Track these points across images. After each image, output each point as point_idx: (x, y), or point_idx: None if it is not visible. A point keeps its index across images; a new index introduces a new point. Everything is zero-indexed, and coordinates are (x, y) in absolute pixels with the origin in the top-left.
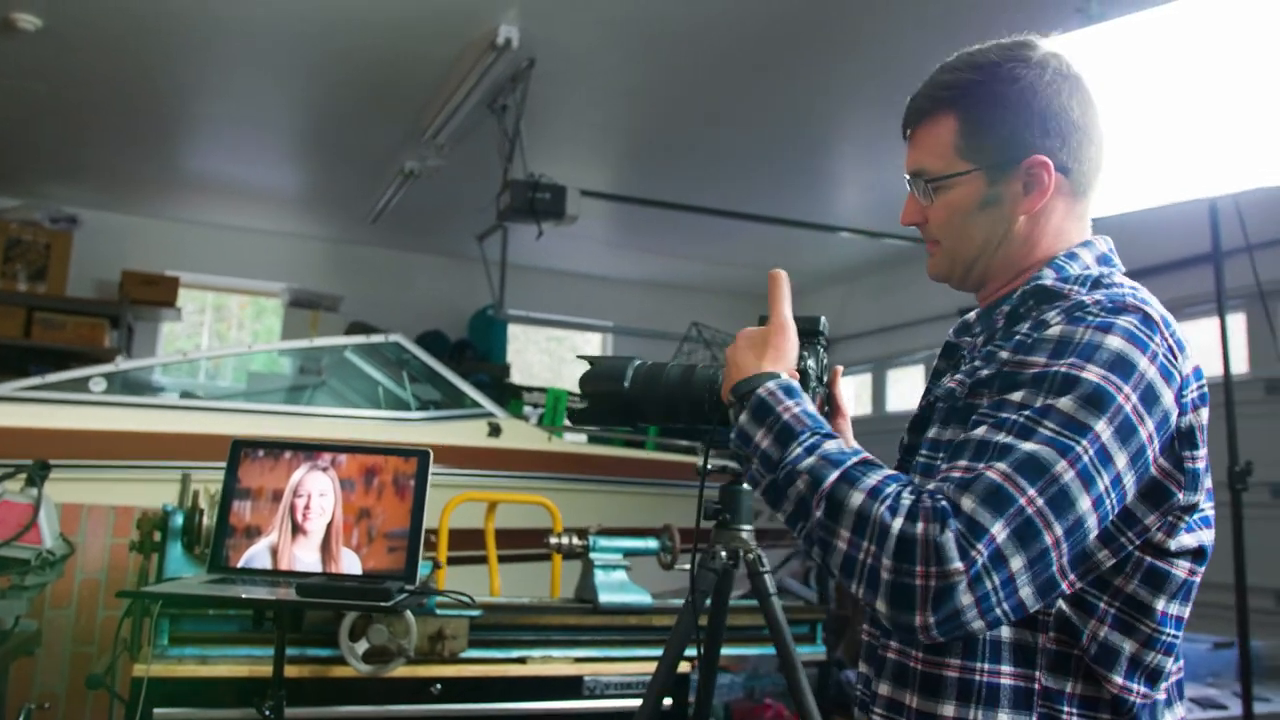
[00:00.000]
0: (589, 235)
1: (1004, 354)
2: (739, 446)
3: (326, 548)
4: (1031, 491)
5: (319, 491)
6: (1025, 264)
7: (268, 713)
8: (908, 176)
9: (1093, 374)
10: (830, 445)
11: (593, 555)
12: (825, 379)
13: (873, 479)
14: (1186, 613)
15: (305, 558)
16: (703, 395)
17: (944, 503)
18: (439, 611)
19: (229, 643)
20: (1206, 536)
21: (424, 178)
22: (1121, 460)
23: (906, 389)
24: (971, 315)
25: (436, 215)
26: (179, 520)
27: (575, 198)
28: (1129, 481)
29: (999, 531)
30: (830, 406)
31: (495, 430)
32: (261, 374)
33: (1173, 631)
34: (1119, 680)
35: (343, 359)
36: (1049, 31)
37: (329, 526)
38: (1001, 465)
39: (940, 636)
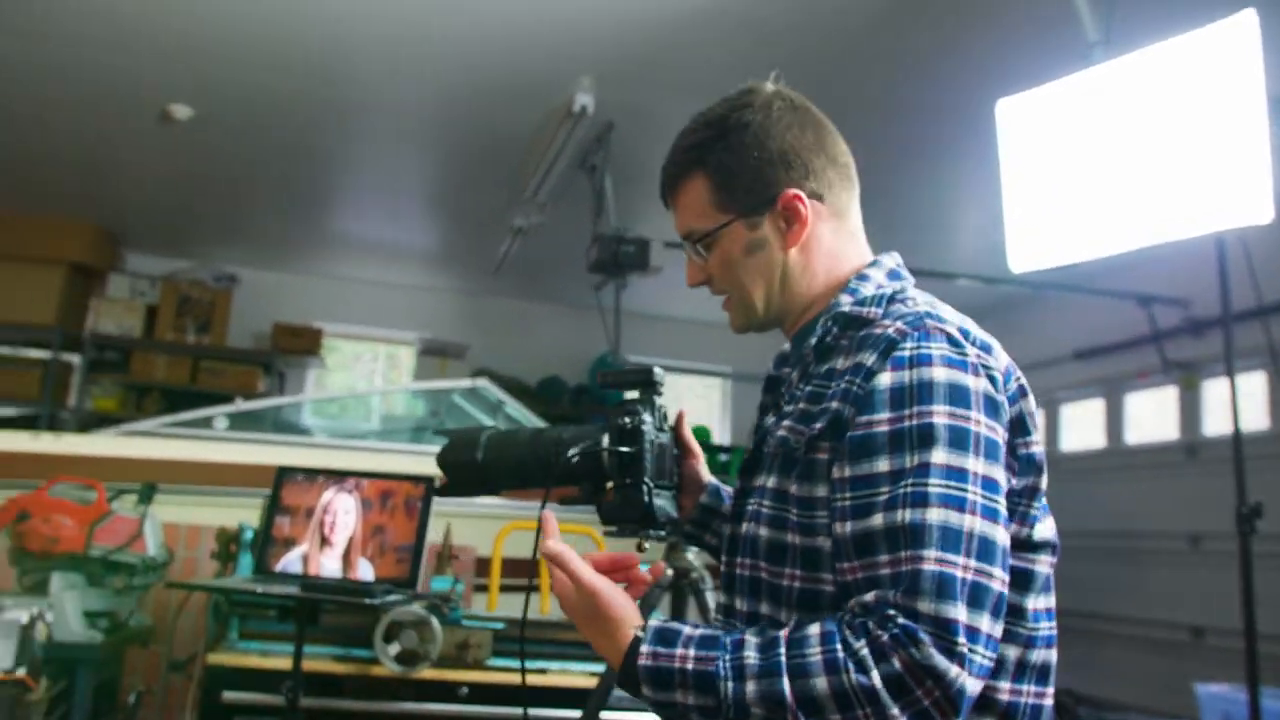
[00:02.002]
0: None
1: (834, 404)
2: (668, 713)
3: (348, 557)
4: (962, 559)
5: (344, 510)
6: (813, 292)
7: (287, 694)
8: (681, 241)
9: (941, 415)
10: (748, 657)
11: None
12: (667, 426)
13: (815, 654)
14: (1053, 602)
15: (330, 565)
16: (549, 456)
17: (900, 621)
18: (465, 623)
19: (287, 639)
20: (1053, 526)
21: (532, 234)
22: (999, 475)
23: None
24: (786, 348)
25: (551, 266)
26: (249, 535)
27: (659, 250)
28: (1006, 484)
29: (961, 613)
30: (680, 449)
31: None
32: (394, 416)
33: (1048, 624)
34: (1007, 686)
35: (452, 403)
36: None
37: (350, 540)
38: (926, 552)
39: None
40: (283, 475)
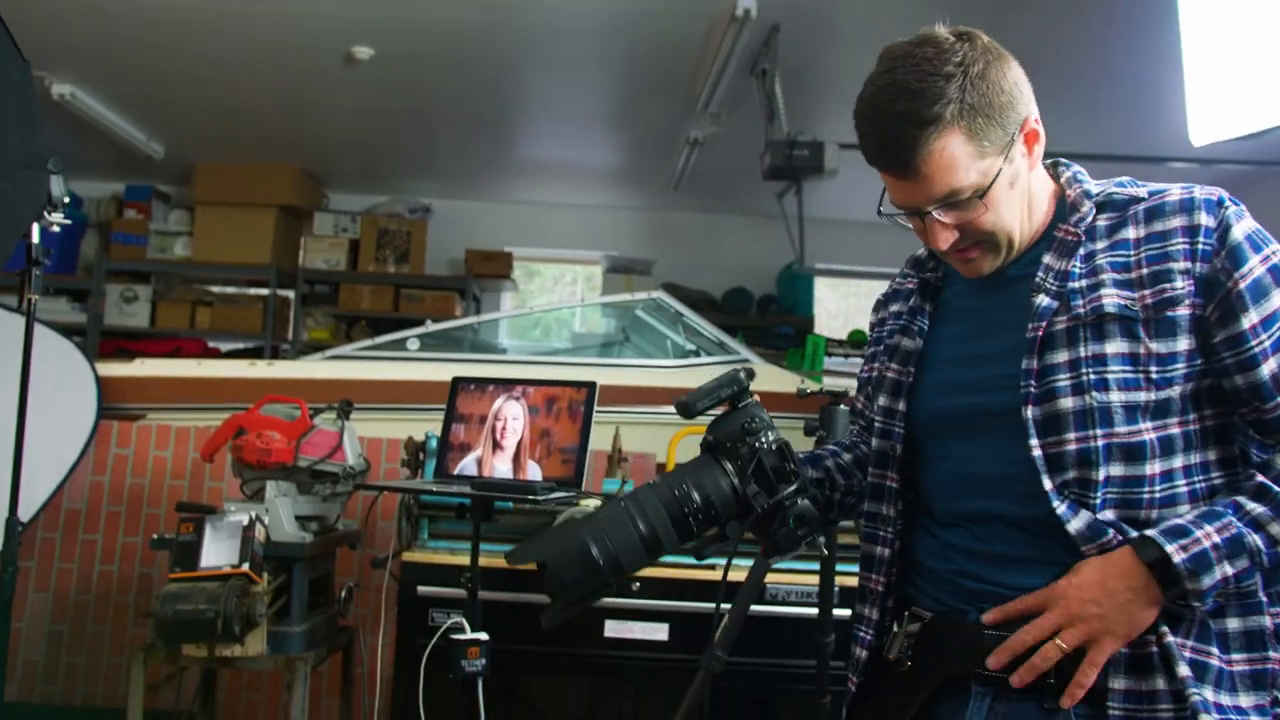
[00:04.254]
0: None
1: (1191, 265)
2: (1213, 595)
3: (517, 460)
4: None
5: (513, 416)
6: (1045, 203)
7: (466, 582)
8: (931, 208)
9: None
10: (1252, 508)
11: None
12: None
13: None
14: None
15: (501, 468)
16: (684, 521)
17: None
18: None
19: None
20: None
21: (708, 144)
22: None
23: None
24: (920, 253)
25: (732, 177)
26: (433, 443)
27: (834, 152)
28: None
29: None
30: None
31: (749, 375)
32: (583, 333)
33: None
34: None
35: (635, 317)
36: None
37: (519, 444)
38: None
39: None
40: (457, 385)
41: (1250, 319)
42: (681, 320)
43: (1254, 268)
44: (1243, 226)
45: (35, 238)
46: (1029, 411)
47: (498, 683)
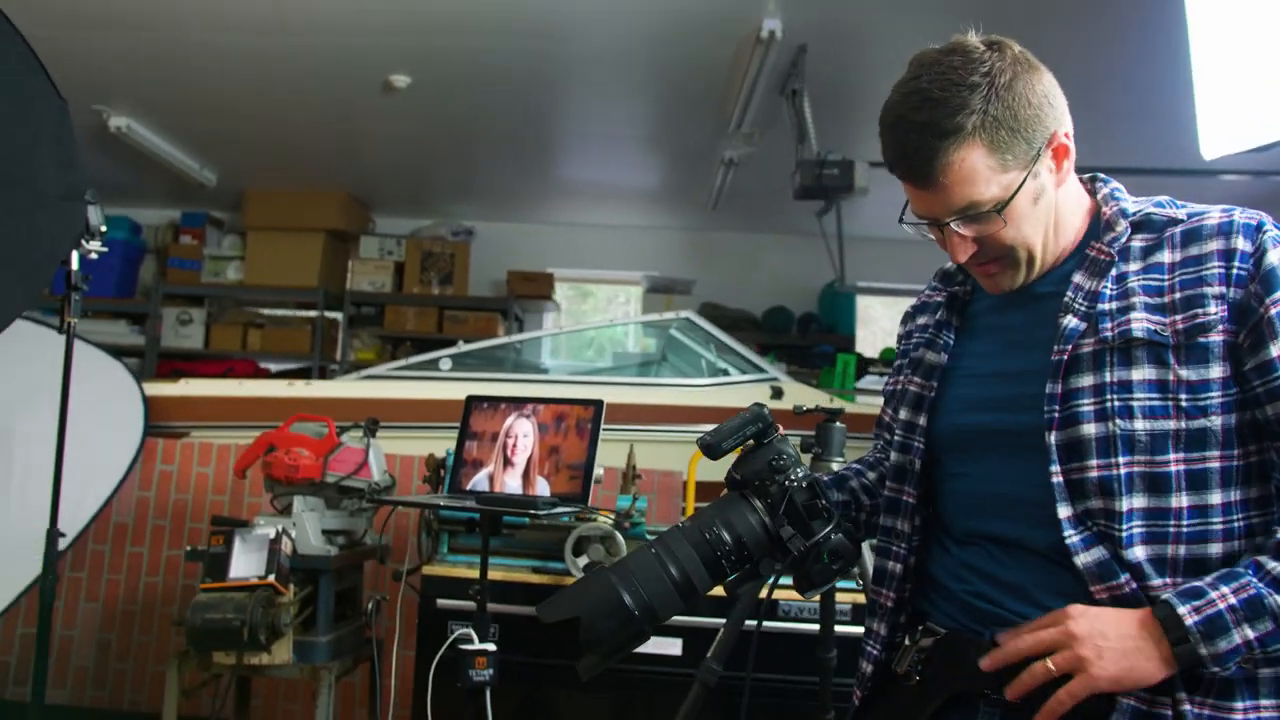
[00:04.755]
0: None
1: (1224, 289)
2: (1234, 661)
3: (527, 476)
4: None
5: (523, 433)
6: (1077, 219)
7: (475, 594)
8: (951, 220)
9: None
10: (1273, 567)
11: None
12: (792, 452)
13: None
14: None
15: (511, 483)
16: (716, 562)
17: None
18: (648, 537)
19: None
20: None
21: (743, 164)
22: None
23: None
24: (949, 266)
25: (768, 196)
26: (451, 460)
27: (864, 170)
28: None
29: None
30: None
31: (777, 393)
32: (623, 352)
33: None
34: None
35: (670, 336)
36: None
37: (529, 460)
38: None
39: None
40: (470, 404)
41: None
42: (713, 340)
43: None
44: (1278, 253)
45: (75, 264)
46: (1052, 437)
47: (514, 696)
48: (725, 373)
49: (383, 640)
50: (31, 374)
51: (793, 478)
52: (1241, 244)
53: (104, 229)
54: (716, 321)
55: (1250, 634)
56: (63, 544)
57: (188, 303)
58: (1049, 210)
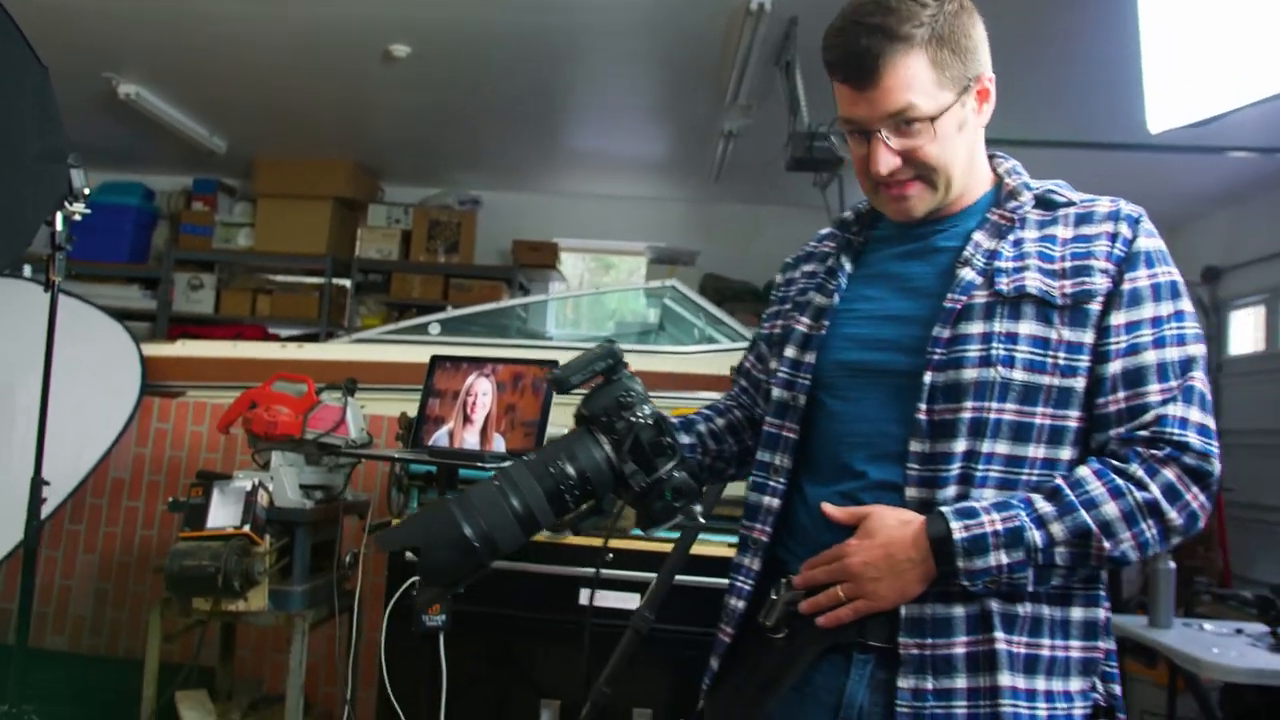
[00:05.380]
0: None
1: (1107, 265)
2: (984, 580)
3: (485, 433)
4: (1202, 374)
5: (482, 392)
6: (979, 173)
7: None
8: (882, 127)
9: (1176, 273)
10: (1042, 506)
11: None
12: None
13: (1098, 488)
14: None
15: (470, 439)
16: (559, 497)
17: (1170, 435)
18: None
19: None
20: None
21: (743, 136)
22: None
23: None
24: (846, 214)
25: (768, 169)
26: None
27: None
28: None
29: (1209, 418)
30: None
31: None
32: (625, 320)
33: None
34: None
35: (665, 305)
36: None
37: (487, 417)
38: (1194, 374)
39: None
40: (435, 363)
41: (1119, 318)
42: (702, 310)
43: (1140, 276)
44: (1149, 242)
45: (60, 225)
46: (927, 377)
47: (478, 644)
48: (714, 340)
49: (363, 594)
50: (37, 333)
51: (639, 414)
52: (1125, 230)
53: (87, 191)
54: (720, 293)
55: (1004, 559)
56: (54, 495)
57: (199, 268)
58: (970, 145)
